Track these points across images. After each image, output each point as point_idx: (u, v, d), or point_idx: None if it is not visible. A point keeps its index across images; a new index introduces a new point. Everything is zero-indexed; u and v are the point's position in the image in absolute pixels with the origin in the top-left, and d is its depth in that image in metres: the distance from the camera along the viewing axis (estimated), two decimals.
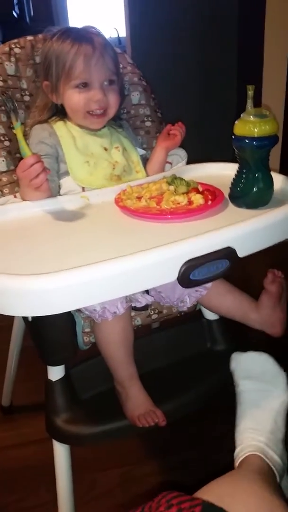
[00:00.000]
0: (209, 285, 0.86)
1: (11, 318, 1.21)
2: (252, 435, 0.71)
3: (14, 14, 3.60)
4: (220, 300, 0.89)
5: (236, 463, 0.67)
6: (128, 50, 2.64)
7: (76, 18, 4.67)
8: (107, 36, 0.92)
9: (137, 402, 0.80)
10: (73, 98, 0.87)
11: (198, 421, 1.19)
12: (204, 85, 2.76)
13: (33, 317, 0.76)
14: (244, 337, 0.99)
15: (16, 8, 3.70)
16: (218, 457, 1.13)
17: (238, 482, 0.59)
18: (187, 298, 0.89)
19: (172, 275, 0.59)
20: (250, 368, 0.80)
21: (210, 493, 0.55)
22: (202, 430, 1.22)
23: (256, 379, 0.78)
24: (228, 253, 0.62)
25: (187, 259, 0.59)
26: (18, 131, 0.75)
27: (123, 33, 3.25)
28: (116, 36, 3.80)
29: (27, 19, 4.17)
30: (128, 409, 0.80)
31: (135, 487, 1.13)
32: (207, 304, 0.93)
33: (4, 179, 0.89)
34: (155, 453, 1.22)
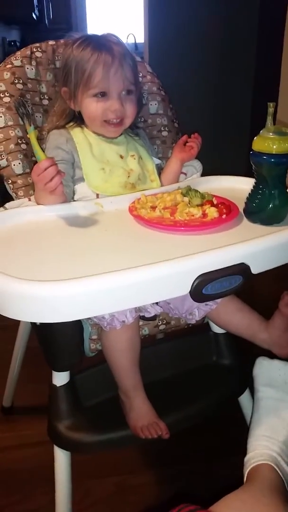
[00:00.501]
0: (219, 300, 0.86)
1: None
2: (266, 443, 0.69)
3: (34, 16, 3.63)
4: (230, 317, 0.89)
5: (246, 470, 0.66)
6: (145, 57, 2.65)
7: (95, 21, 4.71)
8: (124, 41, 0.92)
9: (141, 413, 0.80)
10: (91, 107, 0.87)
11: (196, 433, 1.19)
12: (220, 96, 2.77)
13: (41, 322, 0.76)
14: (248, 352, 0.98)
15: (36, 10, 3.74)
16: (216, 469, 1.13)
17: (256, 498, 0.58)
18: (196, 311, 0.88)
19: (184, 288, 0.59)
20: (273, 376, 0.79)
21: (227, 508, 0.54)
22: (199, 442, 1.21)
23: (277, 388, 0.77)
24: (242, 269, 0.61)
25: (200, 273, 0.59)
26: (31, 135, 0.76)
27: (139, 38, 3.27)
28: (133, 41, 3.83)
29: (46, 21, 4.21)
30: (131, 419, 0.80)
31: (130, 496, 1.12)
32: (216, 319, 0.92)
33: (20, 181, 0.89)
34: (151, 463, 1.21)
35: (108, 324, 0.79)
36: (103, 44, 0.86)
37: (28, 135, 0.78)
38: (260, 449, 0.69)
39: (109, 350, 0.82)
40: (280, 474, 0.65)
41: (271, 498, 0.58)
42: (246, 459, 0.69)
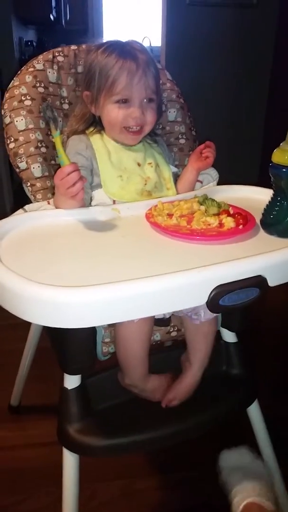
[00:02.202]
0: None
1: None
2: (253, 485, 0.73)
3: (51, 17, 3.66)
4: (197, 337, 0.90)
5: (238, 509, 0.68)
6: (162, 60, 2.66)
7: (111, 23, 4.74)
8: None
9: (155, 388, 0.87)
10: (112, 113, 0.88)
11: (201, 439, 1.19)
12: (234, 106, 2.77)
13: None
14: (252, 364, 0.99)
15: (54, 11, 3.76)
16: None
17: None
18: (201, 312, 0.88)
19: (201, 299, 0.59)
20: (236, 463, 0.83)
21: None
22: (204, 448, 1.21)
23: (243, 468, 0.81)
24: (259, 281, 0.62)
25: (218, 284, 0.59)
26: (57, 140, 0.77)
27: (154, 42, 3.28)
28: (149, 45, 3.84)
29: (63, 22, 4.24)
30: (148, 396, 0.87)
31: (135, 500, 1.13)
32: (192, 330, 0.93)
33: (38, 184, 0.90)
34: (157, 468, 1.22)
35: None
36: (128, 51, 0.86)
37: (53, 139, 0.78)
38: (250, 490, 0.73)
39: (127, 342, 0.84)
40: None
41: None
42: (236, 498, 0.72)
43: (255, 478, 0.77)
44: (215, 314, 0.89)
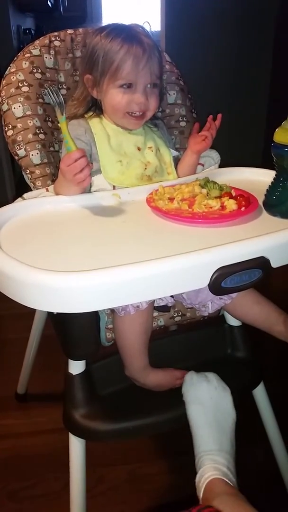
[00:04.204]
0: (234, 294, 0.85)
1: None
2: (216, 458, 0.71)
3: (49, 4, 3.60)
4: (247, 310, 0.89)
5: (202, 486, 0.67)
6: (161, 45, 2.62)
7: (110, 10, 4.66)
8: None
9: (157, 382, 0.86)
10: (116, 98, 0.86)
11: None
12: (235, 87, 2.73)
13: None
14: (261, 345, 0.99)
15: None
16: None
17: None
18: (209, 304, 0.88)
19: (203, 281, 0.59)
20: (200, 394, 0.80)
21: None
22: None
23: (205, 404, 0.79)
24: (261, 262, 0.61)
25: (220, 266, 0.59)
26: (63, 125, 0.75)
27: (155, 27, 3.23)
28: (149, 29, 3.77)
29: (61, 9, 4.18)
30: (151, 388, 0.86)
31: (142, 485, 1.14)
32: (232, 311, 0.92)
33: (37, 171, 0.89)
34: (163, 452, 1.23)
35: (122, 309, 0.80)
36: (134, 36, 0.84)
37: (59, 124, 0.77)
38: (211, 463, 0.70)
39: (123, 333, 0.83)
40: (232, 485, 0.67)
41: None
42: (198, 474, 0.70)
43: (219, 430, 0.75)
44: (223, 304, 0.88)
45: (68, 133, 0.74)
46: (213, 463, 0.70)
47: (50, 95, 0.76)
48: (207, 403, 0.78)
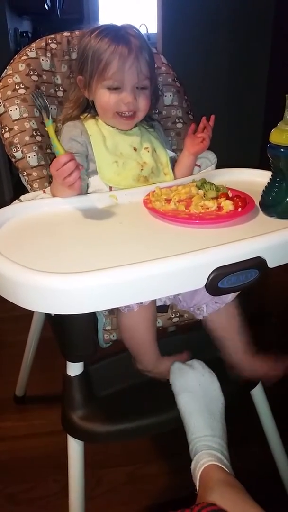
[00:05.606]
0: (228, 299, 0.86)
1: None
2: (209, 443, 0.71)
3: (46, 7, 3.61)
4: (224, 323, 0.88)
5: (198, 474, 0.67)
6: (158, 47, 2.63)
7: (106, 12, 4.67)
8: None
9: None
10: (104, 98, 0.87)
11: None
12: (232, 88, 2.73)
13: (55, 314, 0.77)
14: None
15: (48, 1, 3.71)
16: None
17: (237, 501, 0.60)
18: (204, 307, 0.88)
19: (200, 282, 0.59)
20: (187, 382, 0.80)
21: None
22: None
23: (193, 391, 0.79)
24: (258, 263, 0.61)
25: (216, 266, 0.59)
26: (50, 128, 0.75)
27: (152, 29, 3.24)
28: (145, 32, 3.79)
29: (58, 12, 4.18)
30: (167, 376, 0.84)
31: (141, 486, 1.14)
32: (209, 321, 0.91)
33: (34, 173, 0.90)
34: (162, 453, 1.22)
35: (126, 306, 0.80)
36: (122, 36, 0.85)
37: (46, 128, 0.77)
38: (205, 449, 0.70)
39: (130, 329, 0.84)
40: (227, 470, 0.67)
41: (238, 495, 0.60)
42: (194, 461, 0.70)
43: (210, 416, 0.75)
44: (217, 308, 0.88)
45: (55, 137, 0.74)
46: (207, 449, 0.70)
47: (35, 99, 0.77)
48: (196, 390, 0.78)
